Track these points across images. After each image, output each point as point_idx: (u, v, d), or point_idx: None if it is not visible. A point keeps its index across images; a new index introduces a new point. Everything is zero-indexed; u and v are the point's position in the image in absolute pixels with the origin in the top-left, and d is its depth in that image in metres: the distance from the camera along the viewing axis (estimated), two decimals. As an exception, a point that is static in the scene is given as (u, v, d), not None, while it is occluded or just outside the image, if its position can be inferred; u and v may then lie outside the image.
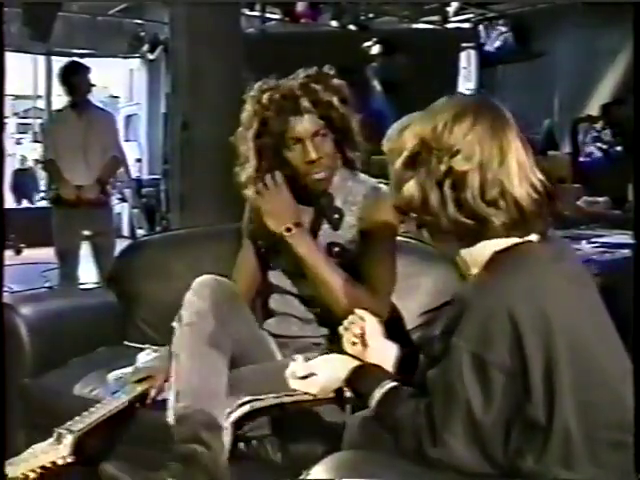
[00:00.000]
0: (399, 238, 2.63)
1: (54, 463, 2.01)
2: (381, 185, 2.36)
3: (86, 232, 5.12)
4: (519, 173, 1.55)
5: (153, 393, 2.36)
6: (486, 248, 1.56)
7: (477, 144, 1.53)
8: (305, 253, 2.26)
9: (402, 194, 1.60)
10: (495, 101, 1.64)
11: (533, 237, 1.57)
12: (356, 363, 1.78)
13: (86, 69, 5.59)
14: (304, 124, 2.25)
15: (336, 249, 2.35)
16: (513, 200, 1.53)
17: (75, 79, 5.41)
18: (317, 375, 1.79)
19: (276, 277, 2.45)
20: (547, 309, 1.44)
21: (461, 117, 1.56)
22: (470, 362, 1.45)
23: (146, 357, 2.58)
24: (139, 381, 2.37)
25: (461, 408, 1.46)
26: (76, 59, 6.59)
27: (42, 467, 1.99)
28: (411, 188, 1.58)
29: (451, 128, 1.55)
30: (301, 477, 1.54)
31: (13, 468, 1.96)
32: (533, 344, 1.42)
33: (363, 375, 1.74)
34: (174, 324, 2.25)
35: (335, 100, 2.28)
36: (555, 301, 1.47)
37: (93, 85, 5.56)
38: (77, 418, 2.14)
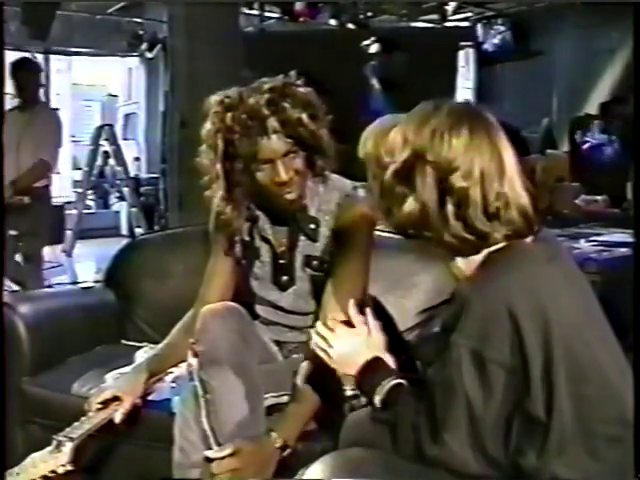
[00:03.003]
0: (397, 236, 2.63)
1: (54, 472, 1.99)
2: (357, 189, 2.28)
3: (12, 232, 4.98)
4: (518, 180, 1.55)
5: (118, 418, 2.22)
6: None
7: (477, 157, 1.51)
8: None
9: (401, 211, 1.56)
10: (481, 107, 1.62)
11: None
12: (371, 356, 1.75)
13: (37, 67, 5.36)
14: (272, 145, 2.12)
15: (314, 262, 2.29)
16: (519, 211, 1.53)
17: (24, 76, 5.07)
18: (341, 345, 1.78)
19: (260, 289, 2.37)
20: (545, 305, 1.45)
21: (458, 127, 1.52)
22: (470, 359, 1.46)
23: (143, 355, 2.58)
24: (103, 403, 2.24)
25: (461, 406, 1.47)
26: (28, 56, 6.23)
27: (42, 476, 1.97)
28: (410, 205, 1.55)
29: (449, 140, 1.52)
30: (298, 475, 1.55)
31: (13, 479, 1.95)
32: (532, 340, 1.43)
33: (372, 370, 1.73)
34: (191, 361, 2.12)
35: (305, 117, 2.13)
36: (552, 297, 1.47)
37: (42, 85, 5.24)
38: (75, 424, 2.12)
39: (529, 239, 1.57)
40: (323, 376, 2.02)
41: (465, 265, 1.59)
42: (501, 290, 1.47)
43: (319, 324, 1.87)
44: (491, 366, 1.45)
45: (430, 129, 1.53)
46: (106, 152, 10.08)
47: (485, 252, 1.55)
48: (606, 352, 1.52)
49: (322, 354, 1.82)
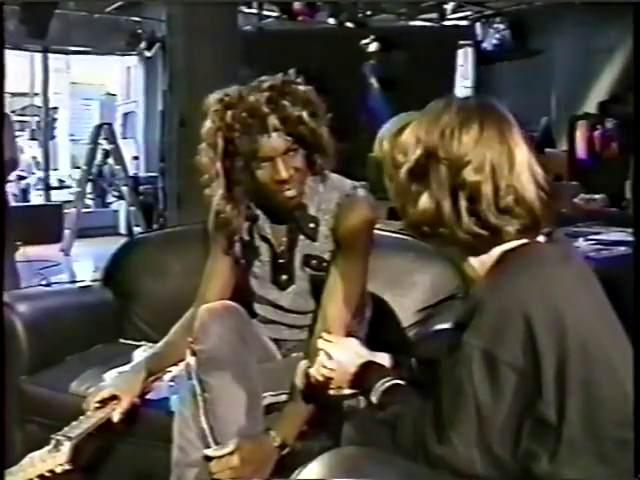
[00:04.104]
0: (395, 235, 2.63)
1: (52, 471, 1.98)
2: (357, 189, 2.27)
3: None
4: (529, 176, 1.54)
5: (117, 418, 2.21)
6: (495, 250, 1.55)
7: (487, 152, 1.50)
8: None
9: (416, 209, 1.55)
10: (495, 101, 1.60)
11: (540, 237, 1.57)
12: (366, 359, 1.79)
13: None
14: (273, 143, 2.11)
15: (313, 262, 2.28)
16: (527, 206, 1.52)
17: None
18: (346, 348, 1.82)
19: (259, 288, 2.37)
20: (561, 307, 1.43)
21: (468, 123, 1.51)
22: (481, 360, 1.44)
23: (141, 353, 2.57)
24: (102, 402, 2.23)
25: (469, 406, 1.45)
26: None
27: (40, 476, 1.96)
28: (425, 202, 1.54)
29: (459, 137, 1.51)
30: (295, 474, 1.54)
31: (11, 478, 1.95)
32: (547, 343, 1.41)
33: (368, 371, 1.74)
34: (190, 359, 2.12)
35: (305, 115, 2.12)
36: (568, 299, 1.46)
37: None
38: (74, 423, 2.11)
39: (543, 239, 1.57)
40: None
41: (479, 265, 1.58)
42: (515, 291, 1.46)
43: (320, 341, 1.92)
44: (502, 367, 1.43)
45: (441, 127, 1.53)
46: (105, 150, 10.09)
47: (499, 251, 1.54)
48: (619, 353, 1.50)
49: (324, 370, 1.86)
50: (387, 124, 1.67)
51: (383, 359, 1.87)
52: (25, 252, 5.61)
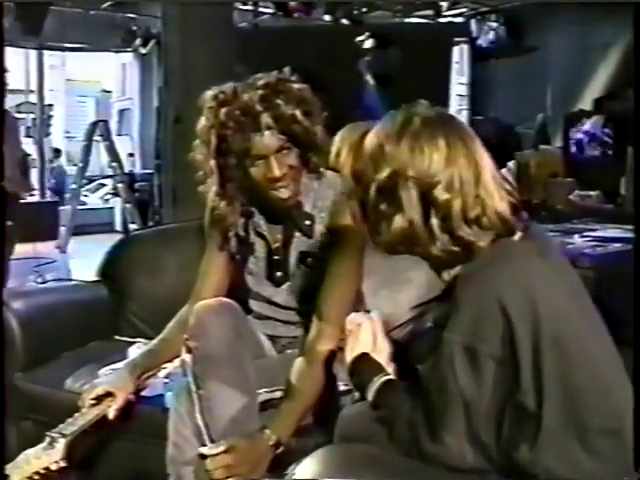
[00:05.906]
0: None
1: (47, 469, 1.97)
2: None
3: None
4: (494, 184, 1.56)
5: (112, 415, 2.20)
6: None
7: (455, 169, 1.52)
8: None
9: (390, 230, 1.56)
10: (449, 113, 1.63)
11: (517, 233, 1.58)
12: (360, 352, 1.78)
13: None
14: (265, 142, 2.11)
15: (308, 259, 2.28)
16: (496, 215, 1.54)
17: None
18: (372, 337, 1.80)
19: (254, 284, 2.38)
20: (534, 295, 1.46)
21: (434, 140, 1.53)
22: (463, 355, 1.46)
23: (136, 350, 2.57)
24: (97, 399, 2.22)
25: (457, 404, 1.47)
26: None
27: (35, 473, 1.95)
28: (399, 222, 1.55)
29: (430, 155, 1.52)
30: (289, 470, 1.55)
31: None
32: (522, 330, 1.44)
33: (365, 363, 1.75)
34: (184, 356, 2.13)
35: (298, 114, 2.12)
36: (541, 287, 1.48)
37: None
38: (69, 420, 2.10)
39: (518, 235, 1.57)
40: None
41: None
42: (491, 284, 1.47)
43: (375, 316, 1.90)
44: (483, 359, 1.45)
45: (408, 143, 1.54)
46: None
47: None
48: (597, 345, 1.52)
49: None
50: (342, 132, 1.66)
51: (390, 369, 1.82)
52: (21, 249, 5.59)
